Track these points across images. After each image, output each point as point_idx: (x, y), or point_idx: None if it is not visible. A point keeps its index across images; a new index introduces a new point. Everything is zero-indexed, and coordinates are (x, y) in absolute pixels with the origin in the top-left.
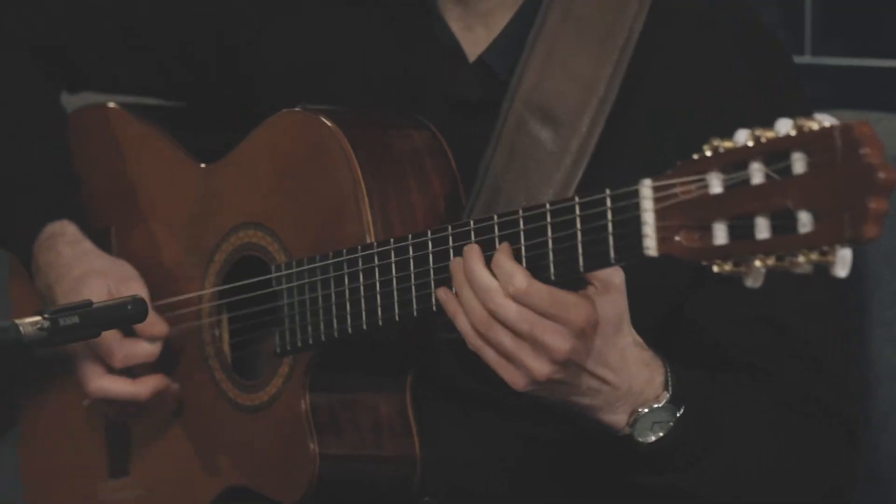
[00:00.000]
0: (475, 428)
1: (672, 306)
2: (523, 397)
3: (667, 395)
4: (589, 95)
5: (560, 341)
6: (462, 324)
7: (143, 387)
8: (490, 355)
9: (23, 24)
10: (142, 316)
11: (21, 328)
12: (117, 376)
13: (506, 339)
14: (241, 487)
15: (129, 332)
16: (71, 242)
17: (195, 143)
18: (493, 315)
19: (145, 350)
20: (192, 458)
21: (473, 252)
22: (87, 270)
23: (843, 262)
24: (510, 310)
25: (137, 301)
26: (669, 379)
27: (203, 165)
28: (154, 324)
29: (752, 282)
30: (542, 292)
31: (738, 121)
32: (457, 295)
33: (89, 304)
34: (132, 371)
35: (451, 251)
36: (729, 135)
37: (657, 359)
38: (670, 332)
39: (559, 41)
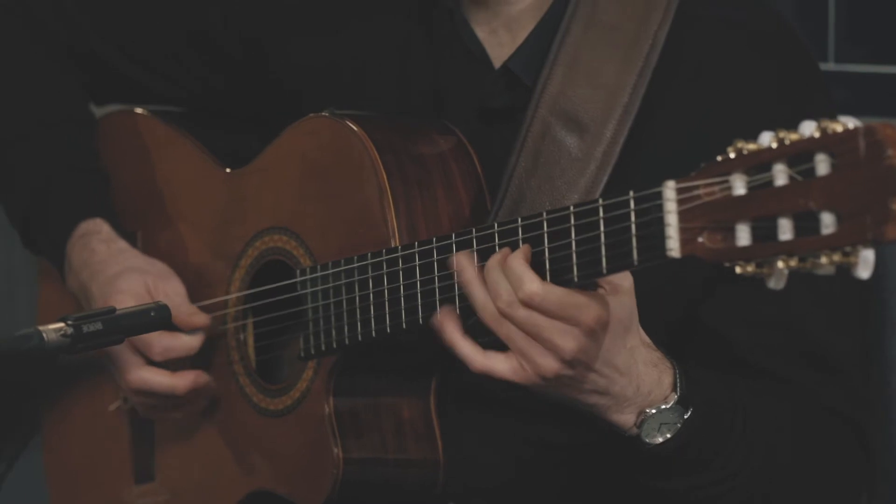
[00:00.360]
0: (498, 432)
1: (687, 311)
2: (541, 400)
3: (675, 397)
4: (614, 102)
5: (569, 341)
6: (465, 346)
7: (181, 380)
8: (501, 367)
9: (61, 29)
10: (166, 322)
11: (45, 335)
12: (157, 368)
13: (515, 336)
14: (264, 491)
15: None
16: (106, 240)
17: (222, 148)
18: (504, 314)
19: (185, 343)
20: (216, 462)
21: (497, 263)
22: (126, 267)
23: (865, 263)
24: (520, 312)
25: (161, 308)
26: (678, 380)
27: (228, 170)
28: (193, 314)
29: (775, 283)
30: (553, 296)
31: (763, 125)
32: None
33: (112, 310)
34: (169, 365)
35: (476, 254)
36: (753, 138)
37: (666, 360)
38: (686, 337)
39: (584, 48)
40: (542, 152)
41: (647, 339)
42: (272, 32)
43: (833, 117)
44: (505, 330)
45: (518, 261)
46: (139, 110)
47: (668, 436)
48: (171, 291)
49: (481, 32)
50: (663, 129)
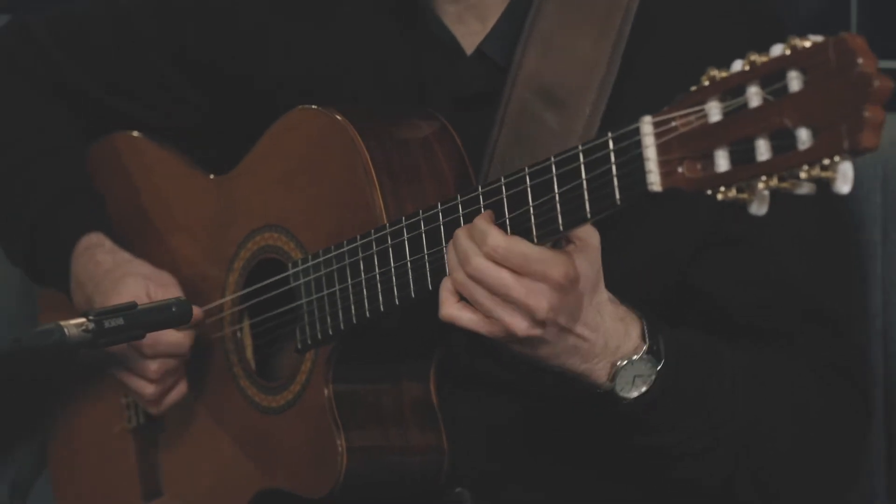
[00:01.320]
0: (499, 414)
1: (681, 279)
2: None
3: (644, 347)
4: (590, 75)
5: (541, 300)
6: (441, 292)
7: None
8: (465, 318)
9: (45, 69)
10: (187, 317)
11: (66, 330)
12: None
13: (483, 298)
14: (273, 490)
15: None
16: (110, 251)
17: (210, 159)
18: (471, 277)
19: (172, 338)
20: (222, 466)
21: (464, 227)
22: (128, 272)
23: (844, 177)
24: (487, 269)
25: (182, 303)
26: (646, 330)
27: (212, 177)
28: None
29: (757, 207)
30: (517, 248)
31: None
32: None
33: (134, 305)
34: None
35: (462, 219)
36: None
37: (632, 312)
38: (683, 304)
39: (557, 24)
40: (521, 130)
41: (612, 296)
42: (247, 39)
43: None
44: (470, 290)
45: (481, 220)
46: (124, 132)
47: (643, 389)
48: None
49: (449, 20)
50: (641, 97)
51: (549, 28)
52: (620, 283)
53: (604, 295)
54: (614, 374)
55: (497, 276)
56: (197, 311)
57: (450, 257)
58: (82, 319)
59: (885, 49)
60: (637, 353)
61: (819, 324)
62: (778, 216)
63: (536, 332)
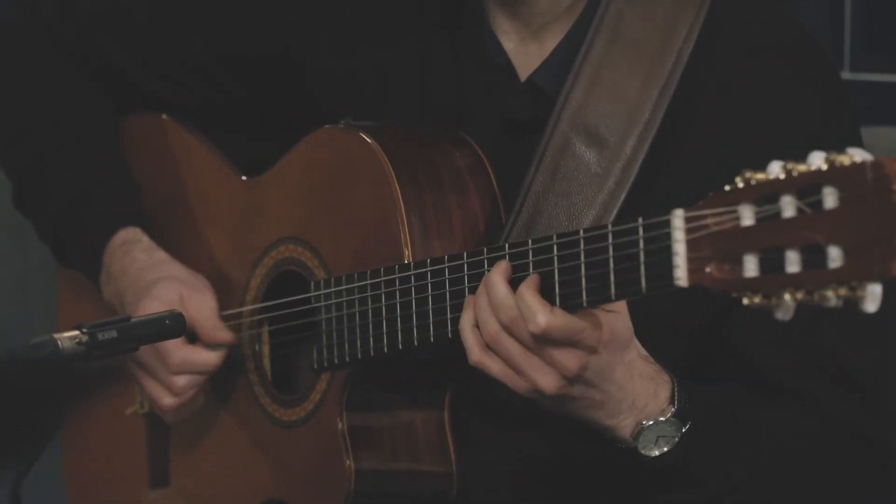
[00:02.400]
0: (511, 442)
1: (708, 329)
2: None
3: (672, 410)
4: (635, 118)
5: (571, 360)
6: (468, 337)
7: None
8: (496, 368)
9: (82, 43)
10: (180, 331)
11: (59, 343)
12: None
13: (515, 351)
14: (278, 501)
15: (193, 339)
16: (147, 250)
17: (241, 153)
18: (508, 330)
19: (203, 359)
20: (230, 470)
21: (499, 266)
22: (165, 275)
23: (872, 298)
24: (524, 336)
25: (176, 316)
26: (676, 394)
27: (245, 178)
28: (218, 329)
29: (782, 315)
30: (559, 323)
31: (782, 149)
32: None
33: (127, 319)
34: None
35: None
36: (778, 158)
37: (663, 373)
38: (708, 355)
39: (607, 63)
40: (560, 167)
41: (644, 353)
42: (296, 38)
43: (857, 135)
44: (504, 348)
45: (530, 291)
46: (159, 115)
47: (666, 449)
48: (203, 304)
49: (509, 43)
50: (684, 147)
51: (599, 64)
52: (654, 327)
53: (635, 352)
54: (638, 432)
55: (535, 342)
56: (228, 334)
57: (480, 305)
58: (76, 332)
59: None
60: (664, 416)
61: (847, 388)
62: None
63: (565, 390)
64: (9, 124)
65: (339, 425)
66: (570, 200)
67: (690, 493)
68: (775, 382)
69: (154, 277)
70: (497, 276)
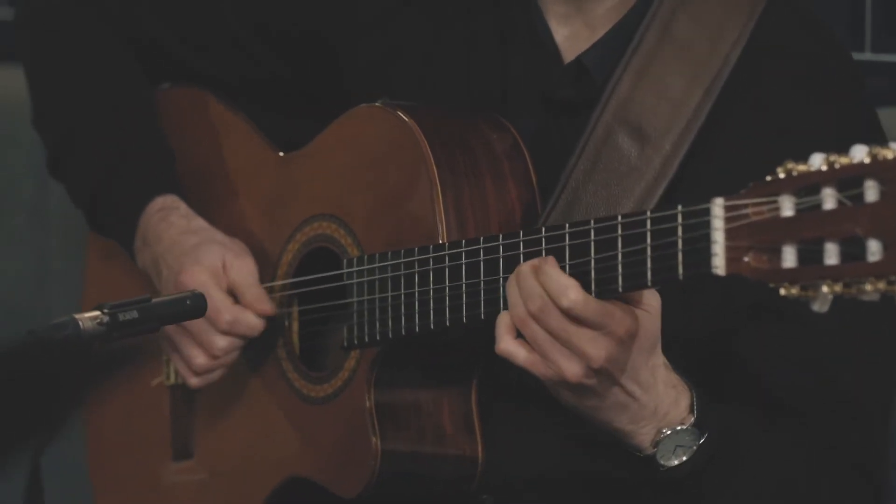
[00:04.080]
0: (537, 428)
1: (725, 340)
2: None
3: (692, 419)
4: (678, 116)
5: (599, 348)
6: (499, 323)
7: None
8: (522, 356)
9: (120, 13)
10: (201, 311)
11: (80, 323)
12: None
13: (543, 340)
14: (302, 478)
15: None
16: (185, 216)
17: (277, 130)
18: (534, 317)
19: (251, 321)
20: (255, 445)
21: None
22: (206, 239)
23: None
24: (552, 317)
25: (197, 296)
26: (695, 403)
27: (281, 154)
28: (260, 300)
29: (819, 307)
30: (591, 305)
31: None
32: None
33: (148, 299)
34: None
35: (522, 256)
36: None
37: (684, 383)
38: (719, 367)
39: (655, 59)
40: (601, 157)
41: (666, 361)
42: (335, 21)
43: (884, 143)
44: (530, 331)
45: (556, 268)
46: (196, 87)
47: (684, 458)
48: (245, 270)
49: (558, 26)
50: (724, 149)
51: (647, 60)
52: (662, 338)
53: (660, 359)
54: (658, 441)
55: (560, 324)
56: (272, 306)
57: (511, 292)
58: (97, 312)
59: None
60: (683, 424)
61: (851, 417)
62: (836, 302)
63: (589, 380)
64: (47, 89)
65: (367, 403)
66: (608, 191)
67: (700, 500)
68: (778, 399)
69: (195, 242)
70: (528, 266)
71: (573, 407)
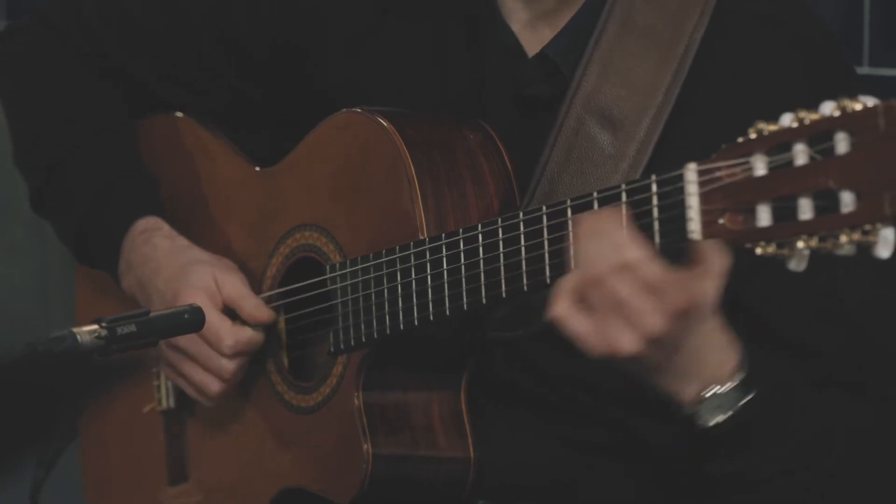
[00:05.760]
0: (529, 428)
1: (734, 290)
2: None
3: (736, 380)
4: (648, 101)
5: (656, 321)
6: (562, 290)
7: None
8: (576, 324)
9: (91, 49)
10: (199, 325)
11: (79, 337)
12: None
13: (603, 307)
14: (297, 488)
15: (233, 318)
16: (168, 237)
17: (257, 150)
18: (598, 283)
19: (252, 337)
20: (248, 460)
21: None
22: (192, 259)
23: (885, 242)
24: (623, 289)
25: (195, 310)
26: (742, 365)
27: (258, 169)
28: (259, 308)
29: (796, 264)
30: (653, 267)
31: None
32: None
33: (146, 312)
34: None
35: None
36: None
37: (734, 344)
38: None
39: (618, 49)
40: (574, 148)
41: (722, 321)
42: (308, 38)
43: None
44: (595, 296)
45: (617, 224)
46: (173, 114)
47: (722, 417)
48: (237, 284)
49: (519, 27)
50: (697, 128)
51: (610, 50)
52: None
53: (715, 321)
54: (700, 400)
55: (620, 286)
56: (271, 311)
57: (578, 250)
58: (95, 326)
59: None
60: (728, 383)
61: (876, 359)
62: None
63: (643, 351)
64: (24, 129)
65: (356, 408)
66: (584, 181)
67: (737, 462)
68: (790, 340)
69: (182, 262)
70: (598, 219)
71: (615, 367)
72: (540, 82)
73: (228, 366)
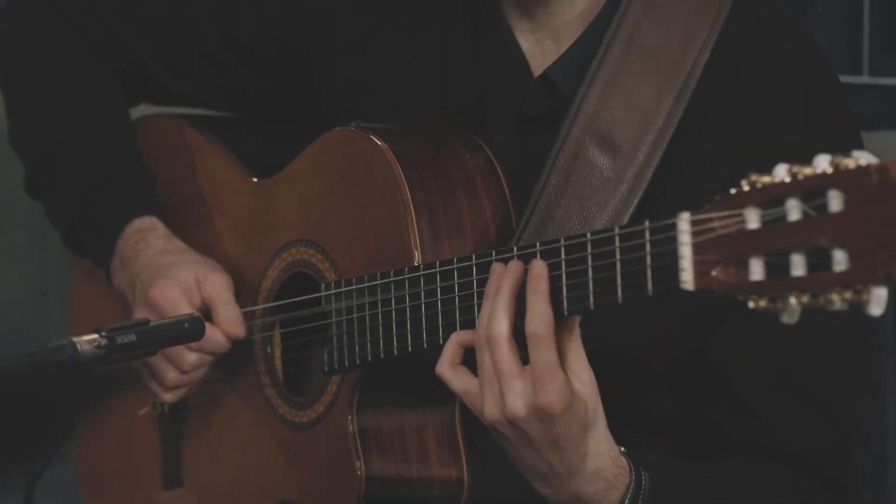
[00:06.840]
0: None
1: (692, 349)
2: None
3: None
4: (649, 124)
5: (518, 404)
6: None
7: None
8: (455, 383)
9: (100, 36)
10: (199, 334)
11: (78, 346)
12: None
13: (485, 366)
14: (289, 503)
15: (209, 317)
16: (164, 237)
17: (255, 153)
18: (490, 343)
19: (218, 339)
20: (242, 472)
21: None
22: (181, 259)
23: (878, 301)
24: (508, 353)
25: (195, 319)
26: (629, 497)
27: (255, 180)
28: (232, 323)
29: (788, 318)
30: (505, 351)
31: (792, 157)
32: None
33: (146, 322)
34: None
35: None
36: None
37: (629, 474)
38: (692, 372)
39: (622, 69)
40: (573, 171)
41: (615, 452)
42: (310, 38)
43: (861, 144)
44: (481, 357)
45: (508, 291)
46: (173, 115)
47: None
48: (221, 285)
49: (525, 41)
50: (697, 154)
51: (614, 70)
52: (641, 339)
53: (596, 447)
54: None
55: (501, 355)
56: (241, 330)
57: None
58: (95, 336)
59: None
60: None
61: (814, 411)
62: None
63: (505, 430)
64: (26, 110)
65: (350, 428)
66: (582, 205)
67: None
68: (745, 398)
69: (171, 260)
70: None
71: (511, 454)
72: (542, 100)
73: (189, 357)
